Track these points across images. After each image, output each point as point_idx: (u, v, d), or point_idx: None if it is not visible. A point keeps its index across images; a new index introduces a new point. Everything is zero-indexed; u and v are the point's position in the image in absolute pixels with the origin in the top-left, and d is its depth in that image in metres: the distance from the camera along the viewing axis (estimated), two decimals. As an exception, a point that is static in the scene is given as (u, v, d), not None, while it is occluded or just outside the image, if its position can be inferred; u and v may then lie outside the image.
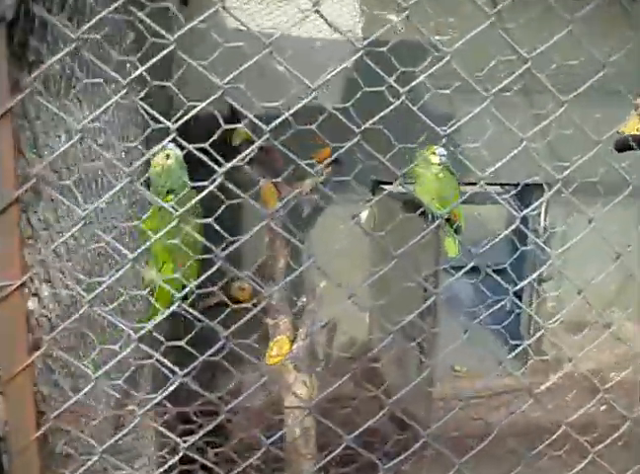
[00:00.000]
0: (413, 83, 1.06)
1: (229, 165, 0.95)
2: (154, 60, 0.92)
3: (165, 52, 0.92)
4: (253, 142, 3.92)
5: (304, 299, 3.63)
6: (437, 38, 4.84)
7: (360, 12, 4.91)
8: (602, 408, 4.67)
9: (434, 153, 3.96)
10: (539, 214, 5.56)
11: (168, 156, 2.65)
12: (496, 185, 5.27)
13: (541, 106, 4.76)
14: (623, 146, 3.85)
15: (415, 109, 1.04)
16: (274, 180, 4.15)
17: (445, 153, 3.94)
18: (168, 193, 2.67)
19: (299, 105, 1.01)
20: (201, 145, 0.99)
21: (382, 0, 4.83)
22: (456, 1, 4.66)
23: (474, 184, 4.88)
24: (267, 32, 4.72)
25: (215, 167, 0.97)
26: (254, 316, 4.08)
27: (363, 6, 4.89)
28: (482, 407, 5.26)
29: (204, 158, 1.00)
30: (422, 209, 4.13)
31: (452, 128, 1.07)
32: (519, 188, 5.04)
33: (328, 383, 5.29)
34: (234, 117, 4.46)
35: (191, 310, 1.08)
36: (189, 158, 2.59)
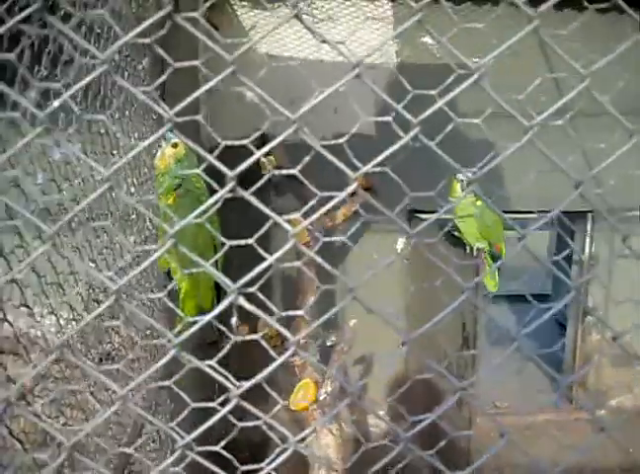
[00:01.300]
0: (427, 112, 0.89)
1: (238, 169, 0.79)
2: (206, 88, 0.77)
3: (226, 73, 0.77)
4: (280, 169, 3.80)
5: (333, 338, 3.44)
6: (474, 60, 4.69)
7: (393, 36, 4.79)
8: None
9: (457, 180, 3.75)
10: (584, 243, 5.34)
11: (176, 145, 2.55)
12: (535, 212, 5.07)
13: (585, 133, 4.65)
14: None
15: (432, 144, 0.87)
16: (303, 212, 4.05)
17: (469, 177, 3.72)
18: (176, 188, 2.57)
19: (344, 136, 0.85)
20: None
21: (418, 23, 4.69)
22: (495, 24, 4.52)
23: (512, 212, 4.70)
24: (296, 57, 4.63)
25: (228, 171, 0.82)
26: (279, 355, 3.90)
27: (396, 28, 4.77)
28: (526, 443, 5.04)
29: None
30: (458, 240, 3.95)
31: (483, 171, 0.89)
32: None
33: (360, 422, 5.15)
34: (265, 144, 4.39)
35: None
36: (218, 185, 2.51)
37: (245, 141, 0.89)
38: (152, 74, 2.95)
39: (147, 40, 0.74)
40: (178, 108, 0.75)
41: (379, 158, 0.81)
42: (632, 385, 5.45)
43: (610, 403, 5.57)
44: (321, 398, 3.10)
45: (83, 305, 1.87)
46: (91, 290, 1.94)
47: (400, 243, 5.04)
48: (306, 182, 0.96)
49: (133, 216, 2.45)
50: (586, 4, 0.91)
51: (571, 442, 4.87)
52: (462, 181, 3.73)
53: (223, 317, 0.90)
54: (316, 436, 3.03)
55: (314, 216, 0.90)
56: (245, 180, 0.90)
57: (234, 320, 0.78)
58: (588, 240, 5.29)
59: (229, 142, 0.91)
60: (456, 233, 3.97)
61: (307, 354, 3.39)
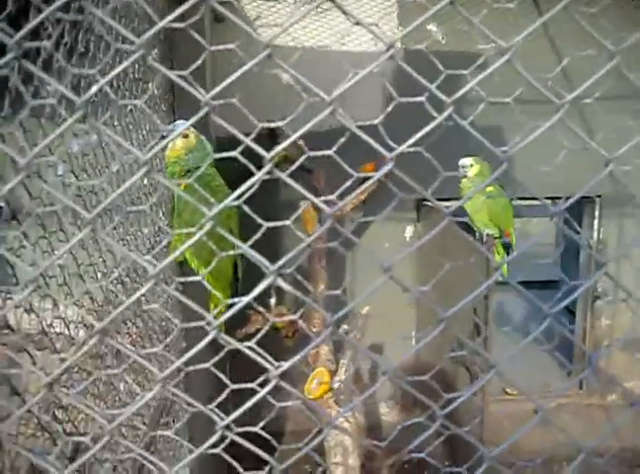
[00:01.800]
0: (463, 90, 0.88)
1: (259, 176, 0.80)
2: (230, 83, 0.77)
3: (262, 56, 0.77)
4: (290, 161, 3.80)
5: (346, 327, 3.44)
6: (480, 47, 4.69)
7: (398, 23, 4.78)
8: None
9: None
10: (592, 228, 5.33)
11: (186, 135, 2.56)
12: (549, 198, 5.06)
13: (600, 115, 4.65)
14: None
15: (465, 124, 0.87)
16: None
17: (467, 163, 3.71)
18: (188, 172, 2.57)
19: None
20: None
21: (422, 11, 4.69)
22: (499, 10, 4.51)
23: (523, 198, 4.68)
24: (302, 46, 4.62)
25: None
26: (294, 344, 3.91)
27: (402, 17, 4.76)
28: (537, 428, 5.05)
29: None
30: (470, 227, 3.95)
31: (515, 148, 0.89)
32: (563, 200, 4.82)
33: (371, 411, 5.16)
34: (273, 135, 4.38)
35: (232, 340, 0.91)
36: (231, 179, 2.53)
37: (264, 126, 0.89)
38: (163, 58, 2.96)
39: (182, 25, 0.75)
40: (213, 92, 0.75)
41: (415, 138, 0.81)
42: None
43: (621, 388, 5.59)
44: (335, 386, 3.11)
45: (103, 296, 1.88)
46: (110, 282, 1.95)
47: (409, 231, 5.05)
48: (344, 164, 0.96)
49: (147, 207, 2.45)
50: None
51: (583, 428, 4.88)
52: (461, 167, 3.74)
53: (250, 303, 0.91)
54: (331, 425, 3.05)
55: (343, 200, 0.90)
56: (250, 172, 0.90)
57: (273, 301, 0.79)
58: (596, 225, 5.29)
59: (265, 124, 0.91)
60: (466, 219, 3.96)
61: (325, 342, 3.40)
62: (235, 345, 0.81)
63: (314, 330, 3.48)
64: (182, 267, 2.96)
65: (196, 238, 0.80)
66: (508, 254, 4.07)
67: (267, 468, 0.89)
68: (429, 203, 4.83)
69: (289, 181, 0.80)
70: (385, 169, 0.79)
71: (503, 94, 1.05)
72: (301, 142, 3.76)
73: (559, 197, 5.08)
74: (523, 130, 0.99)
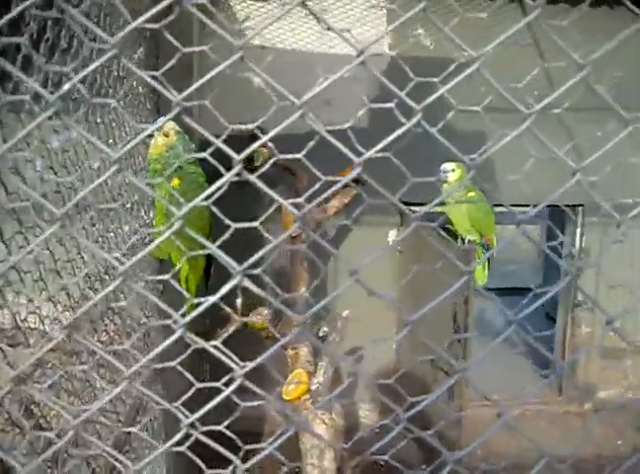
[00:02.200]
0: (432, 97, 0.90)
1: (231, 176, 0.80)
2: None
3: (234, 58, 0.78)
4: (276, 163, 3.80)
5: (325, 329, 3.45)
6: (465, 54, 4.72)
7: (386, 28, 4.80)
8: None
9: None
10: (574, 237, 5.37)
11: (167, 134, 2.56)
12: (526, 206, 5.09)
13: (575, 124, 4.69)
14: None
15: (434, 131, 0.88)
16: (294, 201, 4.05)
17: (448, 169, 3.72)
18: (175, 171, 2.58)
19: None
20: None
21: (410, 16, 4.71)
22: (488, 18, 4.54)
23: (502, 205, 4.72)
24: (290, 49, 4.64)
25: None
26: (272, 345, 3.92)
27: (391, 21, 4.79)
28: (516, 435, 5.06)
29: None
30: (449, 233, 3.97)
31: (483, 157, 0.91)
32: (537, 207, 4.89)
33: (351, 413, 5.17)
34: (254, 138, 4.38)
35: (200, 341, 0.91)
36: (211, 176, 2.53)
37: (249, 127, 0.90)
38: (147, 65, 2.95)
39: (156, 26, 0.75)
40: (185, 93, 0.76)
41: (382, 144, 0.82)
42: (621, 378, 5.49)
43: (599, 395, 5.63)
44: (313, 388, 3.11)
45: (79, 293, 1.88)
46: (87, 278, 1.95)
47: (392, 235, 5.07)
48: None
49: (128, 205, 2.46)
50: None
51: (560, 434, 4.91)
52: (442, 172, 3.75)
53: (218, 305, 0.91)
54: (308, 427, 3.05)
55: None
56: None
57: (239, 301, 0.80)
58: (578, 233, 5.32)
59: (237, 126, 0.92)
60: (448, 225, 3.98)
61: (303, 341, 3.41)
62: (201, 344, 0.82)
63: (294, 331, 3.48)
64: (162, 264, 2.97)
65: (163, 237, 0.80)
66: (489, 260, 4.10)
67: (231, 467, 0.89)
68: (413, 208, 4.85)
69: (258, 182, 0.81)
70: (353, 174, 0.80)
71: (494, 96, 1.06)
72: (271, 145, 3.76)
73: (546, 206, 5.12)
74: (497, 138, 1.00)
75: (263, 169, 0.90)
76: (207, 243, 0.82)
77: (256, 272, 0.82)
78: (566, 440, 4.69)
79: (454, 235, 3.97)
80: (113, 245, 2.27)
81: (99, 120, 2.13)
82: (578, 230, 5.28)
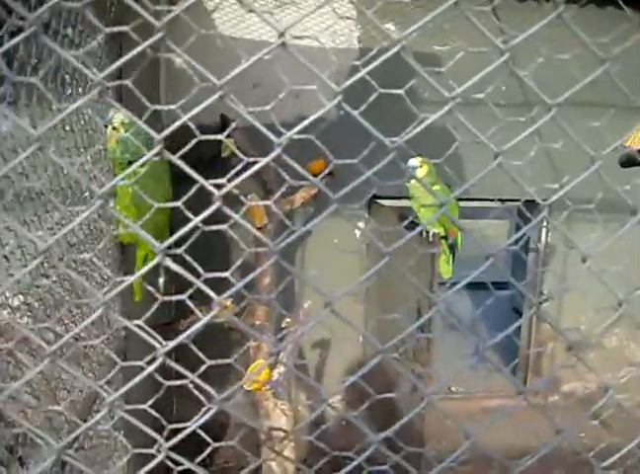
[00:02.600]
0: (349, 81, 0.91)
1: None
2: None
3: (155, 39, 0.78)
4: (242, 153, 3.79)
5: (288, 320, 3.46)
6: (436, 48, 4.75)
7: (356, 21, 4.81)
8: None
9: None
10: (540, 232, 5.44)
11: (115, 128, 2.54)
12: (494, 200, 5.14)
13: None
14: (628, 161, 3.68)
15: (356, 114, 0.89)
16: (264, 194, 4.07)
17: (415, 165, 3.71)
18: (129, 163, 2.56)
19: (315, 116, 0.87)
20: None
21: (380, 10, 4.74)
22: (457, 13, 4.56)
23: (472, 199, 4.75)
24: (263, 41, 4.63)
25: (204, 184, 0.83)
26: (239, 336, 3.92)
27: (361, 16, 4.80)
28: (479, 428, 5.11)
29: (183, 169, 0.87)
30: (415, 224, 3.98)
31: (404, 139, 0.92)
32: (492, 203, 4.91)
33: (317, 406, 5.19)
34: (225, 127, 4.38)
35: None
36: (176, 170, 2.51)
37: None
38: (109, 53, 2.94)
39: (77, 5, 0.76)
40: (106, 72, 0.76)
41: (303, 125, 0.83)
42: (585, 371, 5.56)
43: (563, 389, 5.70)
44: (274, 379, 3.13)
45: (30, 279, 1.87)
46: (40, 265, 1.94)
47: (359, 228, 5.09)
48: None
49: (86, 194, 2.44)
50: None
51: (523, 428, 4.96)
52: (410, 168, 3.74)
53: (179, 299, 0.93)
54: (269, 416, 3.06)
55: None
56: (207, 162, 0.91)
57: (161, 281, 0.80)
58: (544, 230, 5.40)
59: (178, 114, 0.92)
60: (414, 219, 3.99)
61: (264, 336, 3.42)
62: (126, 323, 0.83)
63: (257, 322, 3.49)
64: (124, 248, 2.95)
65: (85, 214, 0.80)
66: (453, 254, 4.12)
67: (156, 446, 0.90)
68: (380, 201, 4.87)
69: (180, 163, 0.81)
70: (273, 154, 0.81)
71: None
72: (231, 138, 3.77)
73: (511, 200, 5.18)
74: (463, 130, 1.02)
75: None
76: (130, 222, 0.82)
77: (179, 251, 0.83)
78: (530, 433, 4.74)
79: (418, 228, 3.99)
80: (69, 233, 2.26)
81: (54, 107, 2.11)
82: (544, 226, 5.35)
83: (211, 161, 3.65)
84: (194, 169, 0.86)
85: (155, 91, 4.23)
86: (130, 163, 2.55)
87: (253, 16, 4.67)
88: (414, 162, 3.71)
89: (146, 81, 3.88)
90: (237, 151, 0.97)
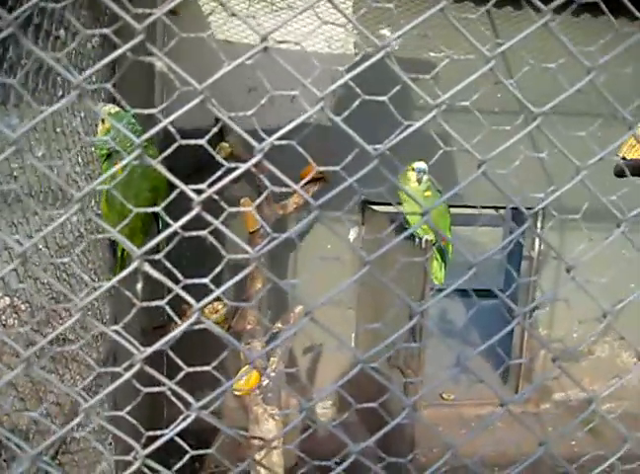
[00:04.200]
0: (332, 87, 0.90)
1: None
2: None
3: (135, 42, 0.77)
4: (236, 157, 3.78)
5: (279, 325, 3.45)
6: (431, 54, 4.74)
7: (352, 27, 4.81)
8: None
9: (412, 169, 3.72)
10: (533, 239, 5.45)
11: (103, 121, 2.52)
12: (489, 208, 5.14)
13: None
14: (623, 172, 3.69)
15: (338, 120, 0.89)
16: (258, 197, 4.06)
17: (425, 168, 3.68)
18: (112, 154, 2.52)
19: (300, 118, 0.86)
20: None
21: (376, 16, 4.75)
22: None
23: (465, 206, 4.75)
24: (255, 45, 4.62)
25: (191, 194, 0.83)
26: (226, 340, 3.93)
27: (358, 21, 4.79)
28: (471, 435, 5.10)
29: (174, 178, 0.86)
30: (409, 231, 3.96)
31: (386, 147, 0.91)
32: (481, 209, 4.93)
33: (310, 412, 5.19)
34: (220, 130, 4.37)
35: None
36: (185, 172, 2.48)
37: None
38: (103, 55, 2.92)
39: (59, 6, 0.75)
40: (87, 73, 0.76)
41: (284, 130, 0.82)
42: (576, 380, 5.56)
43: (555, 397, 5.70)
44: (264, 383, 3.12)
45: (18, 280, 1.86)
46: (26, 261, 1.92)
47: (353, 233, 5.08)
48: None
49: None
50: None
51: (516, 435, 4.96)
52: (419, 171, 3.71)
53: (174, 302, 0.92)
54: (258, 421, 3.05)
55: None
56: (202, 165, 0.90)
57: (139, 286, 0.79)
58: (537, 237, 5.41)
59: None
60: (406, 225, 3.98)
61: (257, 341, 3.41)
62: (101, 328, 0.82)
63: (248, 327, 3.48)
64: (116, 254, 2.92)
65: (64, 217, 0.79)
66: (444, 260, 4.11)
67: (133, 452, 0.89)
68: (373, 207, 4.86)
69: (160, 167, 0.80)
70: (254, 160, 0.80)
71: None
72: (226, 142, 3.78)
73: (504, 207, 5.18)
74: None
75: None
76: (109, 227, 0.81)
77: (158, 257, 0.82)
78: (522, 441, 4.73)
79: (411, 234, 3.97)
80: (58, 235, 2.25)
81: (44, 107, 2.09)
82: (537, 233, 5.35)
83: (209, 163, 3.63)
84: (196, 170, 0.86)
85: (151, 93, 4.22)
86: (114, 154, 2.51)
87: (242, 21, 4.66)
88: (422, 165, 3.69)
89: (142, 83, 3.87)
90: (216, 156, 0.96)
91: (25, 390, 1.91)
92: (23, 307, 2.01)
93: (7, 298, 1.86)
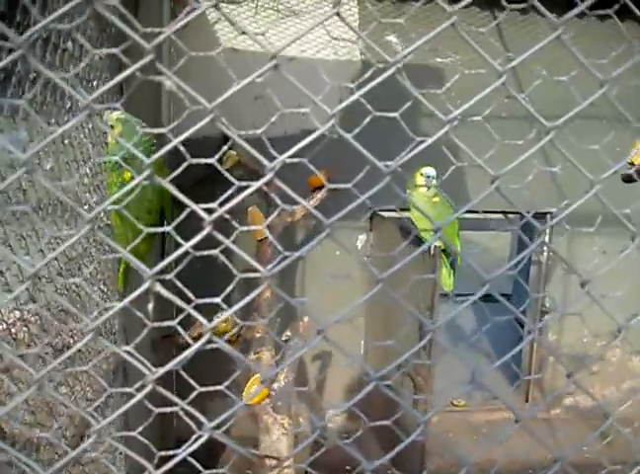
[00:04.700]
0: (345, 102, 0.89)
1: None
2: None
3: (145, 61, 0.77)
4: (243, 165, 3.76)
5: (288, 333, 3.44)
6: (438, 60, 4.74)
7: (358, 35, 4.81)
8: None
9: (421, 174, 3.72)
10: (542, 244, 5.42)
11: (112, 127, 2.51)
12: (497, 213, 5.12)
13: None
14: (630, 177, 3.71)
15: (349, 137, 0.88)
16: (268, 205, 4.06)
17: (434, 174, 3.67)
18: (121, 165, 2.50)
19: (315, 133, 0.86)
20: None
21: (382, 22, 4.73)
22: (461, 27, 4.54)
23: (473, 211, 4.74)
24: (264, 52, 4.62)
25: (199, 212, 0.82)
26: (238, 348, 3.91)
27: (362, 28, 4.79)
28: (482, 441, 5.09)
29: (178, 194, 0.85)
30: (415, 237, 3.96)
31: (398, 163, 0.90)
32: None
33: (319, 418, 5.17)
34: (227, 140, 4.38)
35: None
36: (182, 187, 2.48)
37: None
38: (110, 68, 2.93)
39: (68, 27, 0.74)
40: (95, 94, 0.75)
41: (294, 148, 0.82)
42: (587, 385, 5.54)
43: (565, 402, 5.67)
44: (274, 392, 3.10)
45: (27, 295, 1.86)
46: (37, 279, 1.92)
47: (361, 240, 5.07)
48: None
49: (85, 207, 2.43)
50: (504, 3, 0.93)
51: (527, 443, 4.92)
52: (428, 177, 3.70)
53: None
54: (268, 432, 3.04)
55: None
56: (210, 174, 0.90)
57: (150, 306, 0.79)
58: (547, 241, 5.38)
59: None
60: (413, 227, 3.96)
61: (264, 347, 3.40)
62: (108, 346, 0.81)
63: (257, 335, 3.47)
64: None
65: (75, 238, 0.79)
66: (453, 266, 4.09)
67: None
68: (382, 213, 4.85)
69: (170, 186, 0.79)
70: (265, 179, 0.80)
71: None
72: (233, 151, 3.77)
73: (514, 213, 5.16)
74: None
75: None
76: (120, 248, 0.81)
77: (168, 277, 0.82)
78: (533, 447, 4.70)
79: (419, 240, 3.95)
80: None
81: (53, 121, 2.11)
82: (546, 238, 5.32)
83: (216, 174, 3.63)
84: (200, 182, 0.85)
85: (158, 106, 4.23)
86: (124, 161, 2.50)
87: (254, 28, 4.68)
88: (431, 171, 3.68)
89: (149, 97, 3.88)
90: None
91: (35, 403, 1.91)
92: (33, 320, 2.01)
93: (17, 312, 1.86)
